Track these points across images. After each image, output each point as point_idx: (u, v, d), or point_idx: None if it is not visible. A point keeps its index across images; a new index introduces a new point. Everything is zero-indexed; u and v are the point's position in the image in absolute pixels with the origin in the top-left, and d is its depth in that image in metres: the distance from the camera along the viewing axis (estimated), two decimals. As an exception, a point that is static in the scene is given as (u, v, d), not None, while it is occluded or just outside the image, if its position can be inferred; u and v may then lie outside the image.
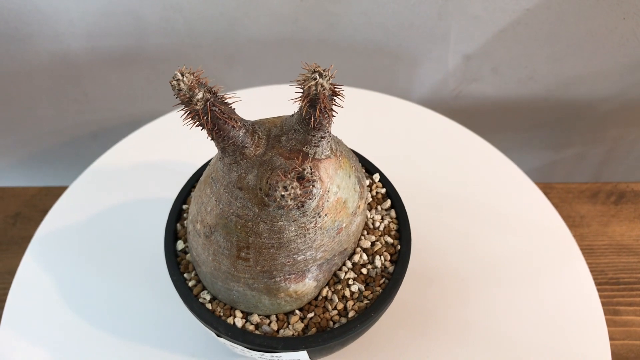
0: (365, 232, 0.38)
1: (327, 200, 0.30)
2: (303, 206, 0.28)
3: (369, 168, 0.42)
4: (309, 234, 0.31)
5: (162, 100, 0.75)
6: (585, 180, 0.91)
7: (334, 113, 0.28)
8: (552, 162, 0.89)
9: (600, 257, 0.56)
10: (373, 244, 0.37)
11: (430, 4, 0.63)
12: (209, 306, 0.35)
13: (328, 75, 0.25)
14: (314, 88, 0.25)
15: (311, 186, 0.26)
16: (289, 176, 0.25)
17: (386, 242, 0.38)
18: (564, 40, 0.67)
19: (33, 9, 0.61)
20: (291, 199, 0.24)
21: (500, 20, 0.65)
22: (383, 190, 0.41)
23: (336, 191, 0.31)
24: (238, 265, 0.32)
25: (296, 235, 0.30)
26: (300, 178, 0.26)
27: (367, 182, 0.40)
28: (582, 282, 0.46)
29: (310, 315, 0.34)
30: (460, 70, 0.73)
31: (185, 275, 0.37)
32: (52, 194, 0.62)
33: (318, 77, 0.25)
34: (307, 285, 0.33)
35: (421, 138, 0.58)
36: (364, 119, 0.60)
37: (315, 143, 0.29)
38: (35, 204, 0.61)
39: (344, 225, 0.32)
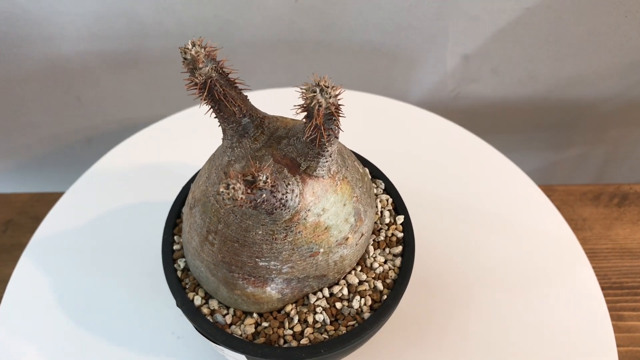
0: (358, 268, 0.35)
1: (305, 219, 0.30)
2: (273, 213, 0.28)
3: (398, 207, 0.39)
4: (276, 243, 0.30)
5: (156, 103, 0.75)
6: (587, 181, 0.90)
7: (335, 134, 0.26)
8: (553, 163, 0.88)
9: (603, 261, 0.55)
10: (361, 282, 0.35)
11: (428, 4, 0.63)
12: (179, 274, 0.36)
13: (329, 93, 0.24)
14: (309, 101, 0.24)
15: (264, 195, 0.25)
16: (239, 177, 0.24)
17: (375, 287, 0.35)
18: (564, 40, 0.67)
19: (23, 13, 0.61)
20: (229, 199, 0.23)
21: (500, 20, 0.64)
22: (400, 235, 0.38)
23: (319, 213, 0.30)
24: (205, 246, 0.32)
25: (262, 239, 0.30)
26: (250, 183, 0.24)
27: (387, 220, 0.38)
28: (588, 288, 0.45)
29: (266, 324, 0.34)
30: (459, 71, 0.72)
31: (175, 237, 0.38)
32: (44, 201, 0.61)
33: (317, 92, 0.24)
34: (268, 293, 0.33)
35: (420, 140, 0.57)
36: (360, 121, 0.59)
37: (310, 157, 0.28)
38: (26, 211, 0.60)
39: (322, 250, 0.31)
